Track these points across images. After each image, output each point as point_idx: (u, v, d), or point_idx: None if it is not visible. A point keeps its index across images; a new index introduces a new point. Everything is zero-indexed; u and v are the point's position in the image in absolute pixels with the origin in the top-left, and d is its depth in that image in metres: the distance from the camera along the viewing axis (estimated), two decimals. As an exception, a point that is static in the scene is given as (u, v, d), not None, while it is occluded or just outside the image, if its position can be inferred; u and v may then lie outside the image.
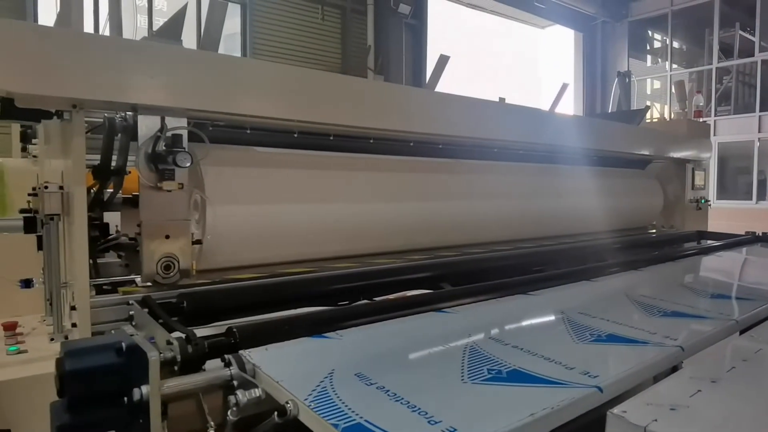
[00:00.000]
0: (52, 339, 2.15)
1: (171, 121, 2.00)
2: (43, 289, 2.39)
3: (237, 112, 2.13)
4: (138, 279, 2.09)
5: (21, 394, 2.01)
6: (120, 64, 1.85)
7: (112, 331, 1.62)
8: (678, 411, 1.19)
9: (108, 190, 2.23)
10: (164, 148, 1.94)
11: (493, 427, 1.05)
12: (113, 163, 2.13)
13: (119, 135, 2.06)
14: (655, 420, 1.12)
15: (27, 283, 2.48)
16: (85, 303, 1.84)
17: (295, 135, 2.45)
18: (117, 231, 2.46)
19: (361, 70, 11.38)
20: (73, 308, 1.92)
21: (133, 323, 1.77)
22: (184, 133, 2.01)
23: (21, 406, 1.96)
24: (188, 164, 1.93)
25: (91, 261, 2.12)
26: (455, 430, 1.04)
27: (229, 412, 1.21)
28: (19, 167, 3.65)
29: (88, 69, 1.79)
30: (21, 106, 1.81)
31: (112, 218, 2.44)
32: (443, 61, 3.61)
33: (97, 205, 2.20)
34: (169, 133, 1.96)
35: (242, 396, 1.21)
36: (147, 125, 1.98)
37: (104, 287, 2.08)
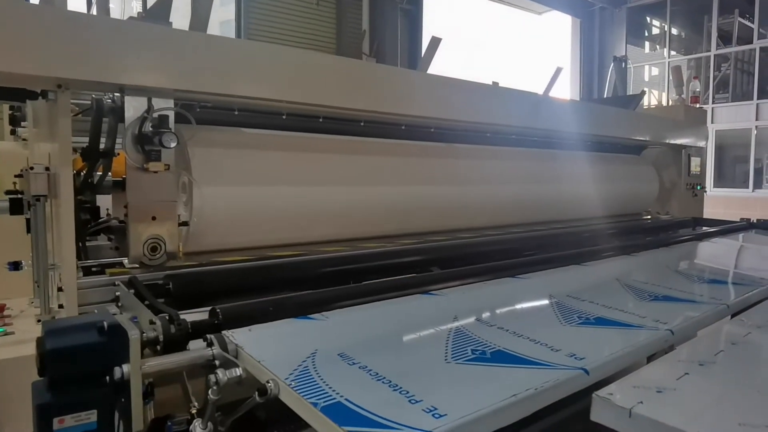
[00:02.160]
0: (39, 320, 2.14)
1: (158, 102, 1.97)
2: (31, 271, 2.38)
3: (225, 92, 2.11)
4: (126, 261, 2.08)
5: (6, 375, 2.00)
6: (106, 44, 1.83)
7: (95, 311, 1.61)
8: (664, 393, 1.19)
9: (98, 173, 2.21)
10: (151, 129, 1.92)
11: (474, 407, 1.04)
12: (102, 146, 2.11)
13: (108, 117, 2.04)
14: (641, 402, 1.12)
15: (15, 266, 2.47)
16: (72, 284, 1.84)
17: (284, 117, 2.43)
18: (108, 214, 2.45)
19: (356, 56, 11.27)
20: (60, 289, 1.92)
21: (119, 304, 1.76)
22: (171, 114, 1.98)
23: (6, 387, 1.95)
24: (174, 145, 1.91)
25: (80, 243, 2.12)
26: (436, 409, 1.03)
27: (209, 391, 1.20)
28: (8, 150, 3.62)
29: (73, 48, 1.77)
30: (3, 85, 1.79)
31: (104, 201, 2.43)
32: (435, 42, 3.56)
33: (87, 188, 2.19)
34: (155, 114, 1.93)
35: (222, 375, 1.21)
36: (134, 106, 1.96)
37: (92, 269, 2.06)
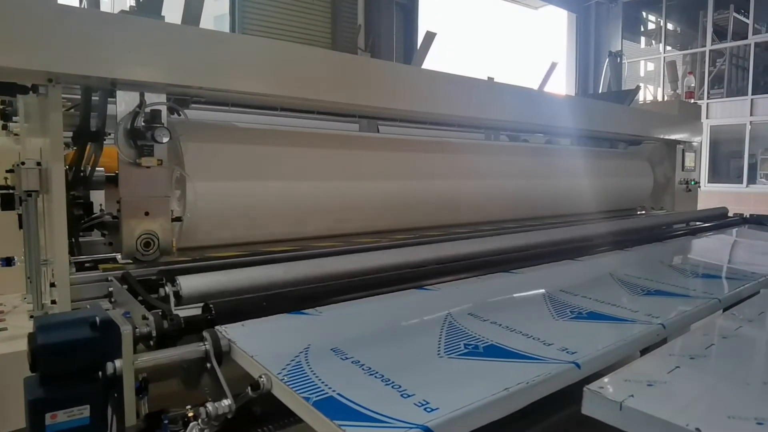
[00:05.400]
0: (31, 316, 2.13)
1: (151, 97, 1.96)
2: (24, 267, 2.37)
3: (218, 87, 2.10)
4: (119, 256, 2.07)
5: (-1, 371, 1.99)
6: (97, 38, 1.82)
7: (87, 306, 1.61)
8: (655, 387, 1.19)
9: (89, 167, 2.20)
10: (143, 123, 1.91)
11: (466, 401, 1.05)
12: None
13: (98, 95, 2.03)
14: (632, 396, 1.12)
15: (8, 261, 2.46)
16: (65, 279, 1.83)
17: (278, 111, 2.42)
18: (101, 210, 2.44)
19: (352, 51, 11.22)
20: (53, 285, 1.91)
21: (112, 299, 1.76)
22: (163, 109, 1.97)
23: (-1, 383, 1.94)
24: (166, 140, 1.90)
25: (73, 239, 2.11)
26: (428, 403, 1.04)
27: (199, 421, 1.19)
28: (0, 145, 3.59)
29: (63, 42, 1.75)
30: (-8, 79, 1.77)
31: (98, 197, 2.42)
32: (430, 37, 3.56)
33: (80, 183, 2.18)
34: (147, 109, 1.93)
35: (212, 408, 1.19)
36: (126, 101, 1.95)
37: (86, 265, 2.06)
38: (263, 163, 2.30)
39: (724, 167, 15.00)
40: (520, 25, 17.20)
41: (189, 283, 1.69)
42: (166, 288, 1.66)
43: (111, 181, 2.16)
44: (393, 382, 1.13)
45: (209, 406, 1.20)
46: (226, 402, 1.21)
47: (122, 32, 1.87)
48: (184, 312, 1.51)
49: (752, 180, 14.04)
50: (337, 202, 2.49)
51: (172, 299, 1.64)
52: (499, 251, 2.51)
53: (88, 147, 2.18)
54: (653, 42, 17.55)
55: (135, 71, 1.90)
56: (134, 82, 1.92)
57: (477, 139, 3.80)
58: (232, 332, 1.37)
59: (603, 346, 1.42)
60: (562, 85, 16.65)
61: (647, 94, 16.59)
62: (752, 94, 14.05)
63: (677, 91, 5.80)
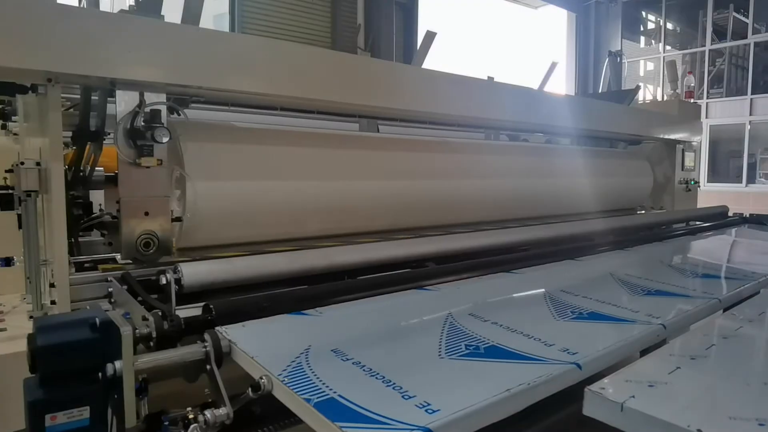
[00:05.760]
0: (31, 317, 2.13)
1: (150, 97, 1.96)
2: (23, 267, 2.37)
3: (218, 87, 2.10)
4: (119, 257, 2.06)
5: (-2, 372, 1.99)
6: (97, 37, 1.81)
7: (87, 307, 1.60)
8: (656, 387, 1.19)
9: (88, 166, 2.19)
10: (143, 123, 1.91)
11: (467, 402, 1.05)
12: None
13: (97, 93, 2.03)
14: (633, 396, 1.12)
15: (7, 262, 2.45)
16: (64, 280, 1.83)
17: (278, 110, 2.42)
18: (101, 209, 2.44)
19: (351, 50, 11.22)
20: (52, 285, 1.90)
21: (112, 300, 1.75)
22: (163, 108, 1.97)
23: (-2, 384, 1.94)
24: (166, 140, 1.90)
25: (72, 239, 2.10)
26: (429, 404, 1.03)
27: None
28: (-1, 145, 3.58)
29: (62, 41, 1.75)
30: (-8, 78, 1.77)
31: (98, 197, 2.42)
32: (430, 37, 3.55)
33: (79, 182, 2.18)
34: (147, 109, 1.92)
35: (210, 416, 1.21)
36: (126, 100, 1.94)
37: (85, 265, 2.06)
38: (263, 163, 2.30)
39: (723, 167, 15.00)
40: (520, 25, 17.19)
41: (191, 271, 1.69)
42: (168, 275, 1.66)
43: (110, 181, 2.15)
44: (394, 383, 1.13)
45: (207, 413, 1.20)
46: (224, 410, 1.21)
47: (122, 32, 1.86)
48: (184, 312, 1.50)
49: (752, 180, 14.04)
50: (337, 201, 2.49)
51: (173, 287, 1.63)
52: (498, 246, 2.51)
53: (87, 147, 2.18)
54: (653, 42, 17.55)
55: (134, 71, 1.90)
56: (134, 81, 1.92)
57: (477, 139, 3.80)
58: (232, 333, 1.37)
59: (604, 346, 1.42)
60: (562, 84, 16.64)
61: (647, 93, 16.58)
62: (752, 94, 14.04)
63: (677, 91, 5.80)
